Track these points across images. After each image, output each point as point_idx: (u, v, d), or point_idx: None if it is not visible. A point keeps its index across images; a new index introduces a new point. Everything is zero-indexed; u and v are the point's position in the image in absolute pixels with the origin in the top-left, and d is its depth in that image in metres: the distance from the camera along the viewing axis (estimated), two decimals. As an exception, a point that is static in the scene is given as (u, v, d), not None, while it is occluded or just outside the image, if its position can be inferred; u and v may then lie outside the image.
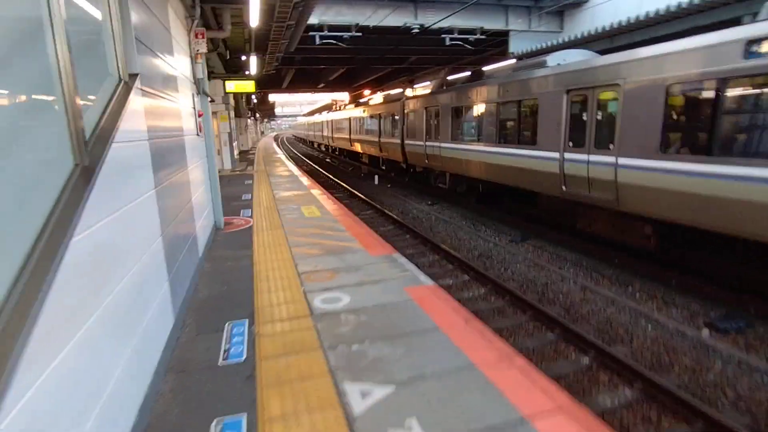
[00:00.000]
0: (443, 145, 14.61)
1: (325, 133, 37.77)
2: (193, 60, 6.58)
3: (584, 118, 8.81)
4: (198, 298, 4.55)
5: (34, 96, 2.11)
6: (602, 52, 10.35)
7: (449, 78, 24.88)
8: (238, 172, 16.14)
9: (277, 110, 74.55)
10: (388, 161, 21.29)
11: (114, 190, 2.62)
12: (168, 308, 3.62)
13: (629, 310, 6.61)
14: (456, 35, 15.08)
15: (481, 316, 7.11)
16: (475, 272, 8.58)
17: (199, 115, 6.28)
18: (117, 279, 2.58)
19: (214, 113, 16.68)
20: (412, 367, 3.12)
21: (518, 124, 11.02)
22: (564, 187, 9.41)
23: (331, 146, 36.10)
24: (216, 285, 4.90)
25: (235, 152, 19.18)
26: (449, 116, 14.17)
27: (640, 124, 7.26)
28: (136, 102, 3.19)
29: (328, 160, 33.48)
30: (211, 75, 12.78)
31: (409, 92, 27.18)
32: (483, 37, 15.36)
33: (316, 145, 48.52)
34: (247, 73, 13.34)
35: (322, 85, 32.48)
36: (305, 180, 13.89)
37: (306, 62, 22.34)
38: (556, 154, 9.54)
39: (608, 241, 9.15)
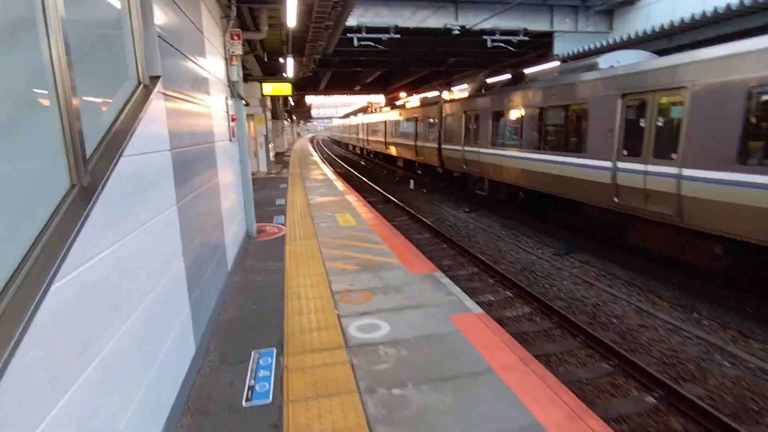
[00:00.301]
0: (483, 150, 13.98)
1: (360, 136, 37.56)
2: (228, 62, 6.27)
3: (642, 124, 8.06)
4: (224, 318, 4.17)
5: (20, 102, 1.73)
6: (658, 53, 9.55)
7: (488, 81, 24.15)
8: (273, 175, 15.98)
9: (313, 112, 75.21)
10: (424, 165, 20.75)
11: (122, 211, 2.24)
12: (189, 335, 3.25)
13: (698, 340, 5.86)
14: (498, 37, 14.40)
15: (527, 339, 6.53)
16: (518, 288, 7.98)
17: (233, 120, 5.96)
18: (124, 316, 2.19)
19: (251, 116, 16.59)
20: (465, 423, 2.61)
21: (565, 130, 10.30)
22: (616, 199, 8.66)
23: (366, 149, 35.83)
24: (244, 303, 4.53)
25: (271, 154, 19.10)
26: (490, 120, 13.52)
27: (711, 132, 6.48)
28: (156, 108, 2.83)
29: (362, 162, 33.21)
30: (248, 77, 12.62)
31: (446, 95, 26.58)
32: (526, 38, 14.61)
33: (350, 148, 48.47)
34: (284, 75, 13.11)
35: (358, 87, 32.26)
36: (340, 185, 13.53)
37: (343, 65, 22.08)
38: (608, 163, 8.80)
39: (665, 258, 8.35)
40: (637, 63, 8.79)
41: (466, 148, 15.25)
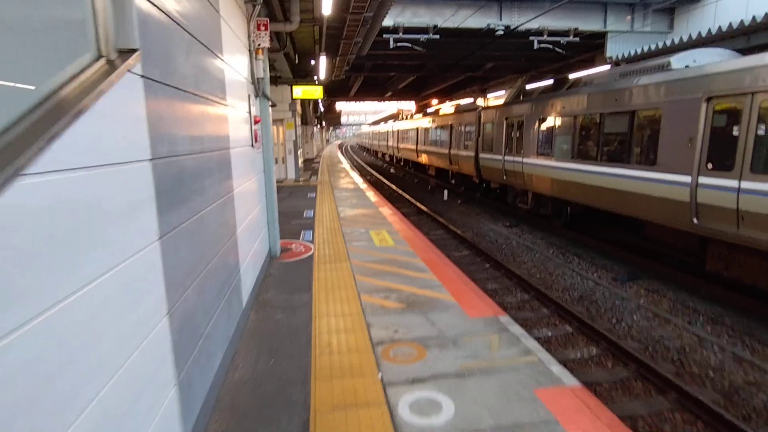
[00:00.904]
0: (527, 160, 12.73)
1: (390, 143, 36.58)
2: (253, 56, 5.33)
3: (734, 133, 6.73)
4: (232, 380, 3.15)
5: None
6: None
7: (528, 87, 22.82)
8: (301, 183, 15.11)
9: (342, 119, 74.83)
10: (459, 175, 19.56)
11: (38, 269, 1.24)
12: (174, 426, 2.24)
13: (835, 409, 4.53)
14: (546, 38, 13.18)
15: (602, 393, 5.30)
16: (579, 322, 6.76)
17: (256, 122, 5.00)
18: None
19: (279, 120, 15.80)
20: None
21: (629, 140, 8.99)
22: (695, 220, 7.33)
23: (396, 156, 34.80)
24: (260, 355, 3.50)
25: (300, 161, 18.31)
26: (535, 128, 12.28)
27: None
28: (126, 96, 1.84)
29: (392, 170, 32.22)
30: (278, 79, 11.79)
31: (481, 102, 25.38)
32: (577, 39, 13.34)
33: (380, 155, 47.59)
34: (315, 78, 12.23)
35: (389, 93, 31.36)
36: (371, 195, 12.51)
37: (376, 69, 21.17)
38: (686, 178, 7.49)
39: (760, 292, 6.97)
40: (725, 61, 7.48)
41: (507, 158, 14.02)
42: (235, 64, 4.22)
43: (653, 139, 8.36)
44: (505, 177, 14.35)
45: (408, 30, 12.69)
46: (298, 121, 18.27)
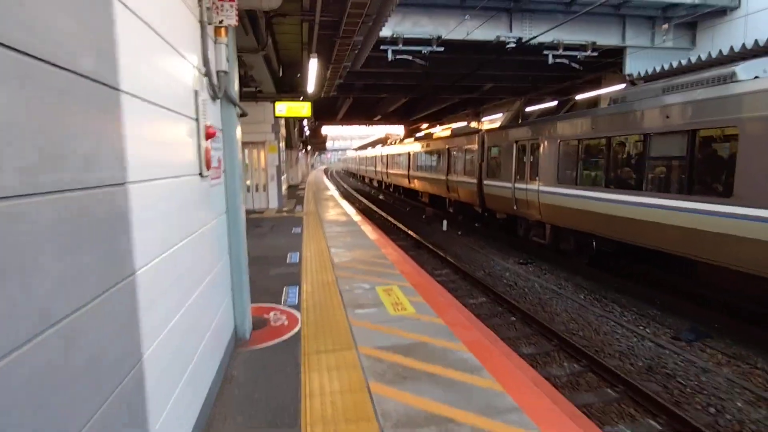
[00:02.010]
0: (545, 188, 10.95)
1: (378, 168, 34.78)
2: (209, 34, 3.41)
3: None
4: None
5: None
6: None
7: (528, 109, 21.39)
8: (285, 213, 13.05)
9: (328, 144, 73.19)
10: (458, 203, 17.74)
11: None
12: None
13: None
14: (561, 52, 11.61)
15: None
16: (669, 414, 4.84)
17: (209, 136, 3.04)
18: None
19: (261, 143, 13.84)
20: None
21: (688, 165, 7.24)
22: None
23: (385, 182, 32.95)
24: None
25: (284, 187, 16.31)
26: (555, 152, 10.55)
27: None
28: None
29: (381, 197, 30.33)
30: (258, 94, 9.89)
31: (475, 125, 23.84)
32: (595, 54, 11.81)
33: (367, 180, 45.77)
34: (302, 95, 10.33)
35: (378, 117, 29.77)
36: (367, 229, 10.51)
37: (367, 90, 19.49)
38: (781, 214, 5.74)
39: None
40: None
41: (519, 186, 12.25)
42: (155, 20, 2.25)
43: (726, 165, 6.63)
44: (515, 207, 12.54)
45: (409, 41, 10.99)
46: (282, 145, 16.33)
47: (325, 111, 28.02)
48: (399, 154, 26.94)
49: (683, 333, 7.04)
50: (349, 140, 75.65)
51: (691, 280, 8.19)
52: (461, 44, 11.62)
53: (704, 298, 7.99)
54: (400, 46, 10.78)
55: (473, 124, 24.68)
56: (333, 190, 24.09)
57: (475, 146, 15.20)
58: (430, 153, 20.62)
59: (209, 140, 3.08)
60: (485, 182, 14.41)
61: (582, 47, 11.71)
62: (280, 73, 9.77)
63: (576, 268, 10.63)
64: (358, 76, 16.44)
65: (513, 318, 7.92)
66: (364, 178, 48.13)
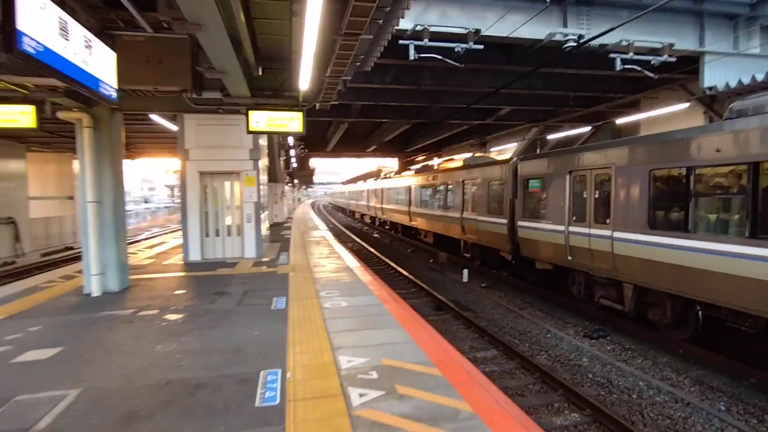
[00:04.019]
0: (622, 235, 7.79)
1: (372, 204, 31.44)
2: None
3: None
4: None
5: None
6: None
7: (549, 137, 18.60)
8: (264, 268, 9.54)
9: (314, 177, 69.99)
10: (477, 247, 14.46)
11: None
12: None
13: None
14: (632, 56, 8.69)
15: None
16: None
17: None
18: None
19: (235, 174, 10.49)
20: None
21: None
22: None
23: (380, 219, 29.57)
24: None
25: (265, 227, 12.89)
26: (645, 186, 7.42)
27: None
28: None
29: (376, 234, 26.92)
30: (224, 96, 6.59)
31: (494, 154, 20.92)
32: (673, 60, 8.91)
33: (357, 216, 42.39)
34: (288, 98, 7.01)
35: (373, 147, 26.78)
36: (381, 296, 7.08)
37: (365, 113, 16.46)
38: None
39: None
40: None
41: (576, 230, 9.08)
42: None
43: None
44: (569, 257, 9.32)
45: (437, 36, 7.94)
46: (264, 178, 12.96)
47: (315, 141, 24.94)
48: (397, 189, 23.75)
49: None
50: (336, 174, 72.82)
51: None
52: (504, 42, 8.65)
53: None
54: (426, 42, 7.71)
55: (477, 155, 21.75)
56: (323, 229, 20.62)
57: (504, 179, 12.10)
58: (436, 187, 17.46)
59: None
60: (520, 223, 11.21)
61: (656, 51, 8.83)
62: (259, 70, 6.60)
63: (670, 345, 7.40)
64: (356, 94, 13.41)
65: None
66: (354, 213, 44.78)
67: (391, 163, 37.04)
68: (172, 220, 37.46)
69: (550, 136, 17.22)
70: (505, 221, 11.89)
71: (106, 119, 6.80)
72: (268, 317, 5.69)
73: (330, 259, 11.03)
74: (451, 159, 20.41)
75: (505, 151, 21.63)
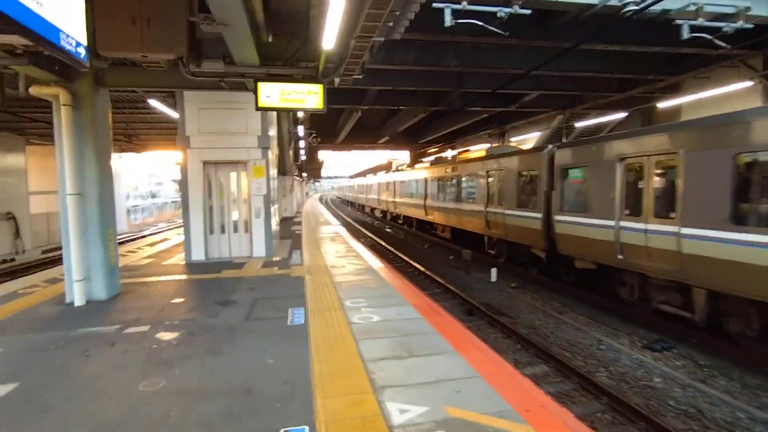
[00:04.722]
0: (694, 231, 6.57)
1: (383, 197, 30.24)
2: None
3: None
4: None
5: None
6: None
7: (578, 125, 17.27)
8: (276, 270, 8.39)
9: (321, 171, 68.75)
10: (503, 243, 13.25)
11: None
12: None
13: None
14: (701, 22, 7.40)
15: None
16: None
17: None
18: None
19: (242, 163, 9.35)
20: None
21: None
22: None
23: (392, 213, 28.35)
24: None
25: (275, 222, 11.76)
26: (729, 174, 6.17)
27: None
28: None
29: (388, 229, 25.73)
30: (227, 64, 5.40)
31: (515, 144, 19.64)
32: (749, 26, 7.61)
33: (367, 209, 41.18)
34: (304, 70, 5.79)
35: (384, 139, 25.54)
36: (418, 306, 5.92)
37: (382, 99, 15.23)
38: None
39: None
40: None
41: (629, 225, 7.87)
42: None
43: None
44: (621, 255, 8.10)
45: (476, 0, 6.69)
46: (273, 171, 11.79)
47: (325, 132, 23.75)
48: (411, 181, 22.52)
49: None
50: (343, 167, 71.63)
51: None
52: (552, 6, 7.40)
53: None
54: (465, 5, 6.46)
55: (495, 146, 20.44)
56: (335, 224, 19.48)
57: (537, 169, 10.87)
58: (456, 179, 16.22)
59: None
60: (557, 218, 10.00)
61: (727, 18, 7.53)
62: (269, 38, 5.41)
63: (752, 362, 6.19)
64: (374, 77, 12.21)
65: None
66: (363, 207, 43.59)
67: (402, 155, 35.77)
68: (178, 215, 36.54)
69: (578, 124, 15.89)
70: (538, 215, 10.67)
71: (88, 97, 5.65)
72: (284, 337, 4.54)
73: (348, 258, 9.86)
74: (468, 150, 19.14)
75: (526, 141, 20.31)
